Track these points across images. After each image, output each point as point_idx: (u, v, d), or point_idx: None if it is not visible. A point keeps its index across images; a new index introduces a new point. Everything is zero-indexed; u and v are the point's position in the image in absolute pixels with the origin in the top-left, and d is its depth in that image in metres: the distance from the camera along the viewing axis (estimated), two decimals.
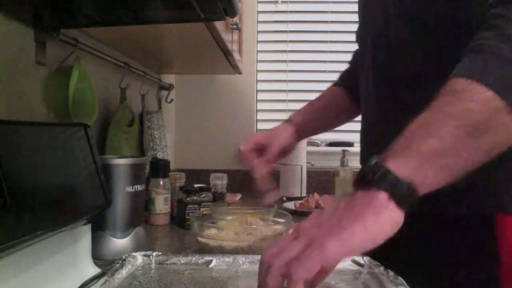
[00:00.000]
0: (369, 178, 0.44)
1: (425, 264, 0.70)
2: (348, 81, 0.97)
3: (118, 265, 0.63)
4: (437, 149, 0.44)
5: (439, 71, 0.57)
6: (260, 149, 0.87)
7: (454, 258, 0.68)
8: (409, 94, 0.68)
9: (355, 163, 1.78)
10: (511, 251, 0.62)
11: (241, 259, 0.68)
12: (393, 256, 0.74)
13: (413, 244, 0.71)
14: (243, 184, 1.81)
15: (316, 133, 1.02)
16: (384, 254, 0.76)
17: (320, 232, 0.43)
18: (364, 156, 0.82)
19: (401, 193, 0.43)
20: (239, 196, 1.56)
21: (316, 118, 0.96)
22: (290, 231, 0.82)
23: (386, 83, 0.73)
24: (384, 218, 0.42)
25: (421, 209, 0.62)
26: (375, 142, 0.76)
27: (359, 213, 0.43)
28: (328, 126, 1.01)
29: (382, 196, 0.43)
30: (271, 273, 0.42)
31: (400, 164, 0.44)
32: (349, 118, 1.00)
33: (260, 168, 0.84)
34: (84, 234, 0.68)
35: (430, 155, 0.44)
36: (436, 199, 0.65)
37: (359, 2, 0.86)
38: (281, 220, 0.86)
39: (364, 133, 0.83)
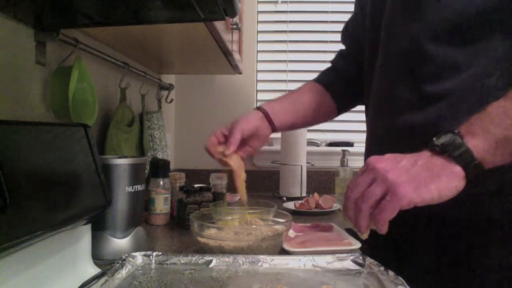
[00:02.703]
0: (450, 150, 0.52)
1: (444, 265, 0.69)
2: (327, 78, 0.97)
3: (118, 265, 0.63)
4: (508, 139, 0.51)
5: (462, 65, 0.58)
6: (226, 140, 0.85)
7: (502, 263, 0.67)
8: (430, 87, 0.68)
9: (355, 163, 1.78)
10: None
11: (241, 259, 0.68)
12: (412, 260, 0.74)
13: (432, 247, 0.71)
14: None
15: (294, 124, 0.97)
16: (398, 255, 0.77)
17: (399, 181, 0.51)
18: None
19: (472, 170, 0.52)
20: (239, 196, 1.56)
21: (291, 106, 0.94)
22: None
23: (407, 79, 0.72)
24: (453, 185, 0.51)
25: (461, 214, 0.67)
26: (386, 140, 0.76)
27: (436, 175, 0.51)
28: (305, 118, 0.96)
29: (458, 169, 0.51)
30: (362, 215, 0.53)
31: (479, 145, 0.52)
32: (326, 113, 0.97)
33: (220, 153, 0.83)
34: (84, 234, 0.68)
35: (504, 140, 0.51)
36: (477, 204, 0.66)
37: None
38: (281, 220, 0.86)
39: (374, 133, 0.82)
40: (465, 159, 0.52)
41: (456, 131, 0.53)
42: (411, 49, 0.69)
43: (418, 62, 0.69)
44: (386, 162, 0.54)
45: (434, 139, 0.54)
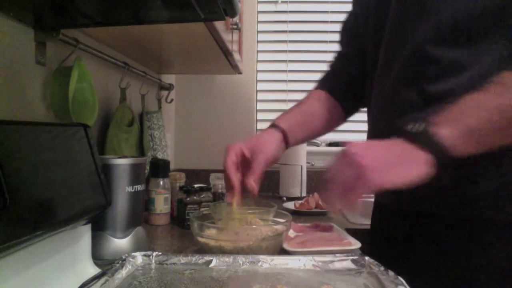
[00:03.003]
0: (421, 138, 0.56)
1: (446, 268, 0.69)
2: (331, 84, 0.94)
3: (118, 265, 0.63)
4: (477, 129, 0.55)
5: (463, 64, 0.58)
6: (244, 161, 0.77)
7: (492, 262, 0.67)
8: (434, 87, 0.67)
9: None
10: None
11: (241, 259, 0.68)
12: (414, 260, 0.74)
13: (433, 249, 0.71)
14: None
15: (306, 138, 0.92)
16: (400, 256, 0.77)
17: (370, 166, 0.55)
18: None
19: (441, 159, 0.55)
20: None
21: (305, 122, 0.88)
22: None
23: (410, 79, 0.71)
24: (422, 172, 0.55)
25: (461, 214, 0.68)
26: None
27: (406, 162, 0.55)
28: (318, 131, 0.92)
29: (428, 158, 0.55)
30: (333, 192, 0.57)
31: (448, 134, 0.55)
32: (337, 120, 0.94)
33: (237, 193, 0.75)
34: (84, 234, 0.68)
35: (472, 133, 0.55)
36: (476, 204, 0.66)
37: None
38: (281, 220, 0.86)
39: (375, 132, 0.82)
40: (434, 147, 0.55)
41: (429, 120, 0.57)
42: (415, 49, 0.69)
43: (421, 62, 0.69)
44: (361, 149, 0.57)
45: (408, 127, 0.58)
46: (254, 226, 0.79)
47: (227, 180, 0.75)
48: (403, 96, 0.71)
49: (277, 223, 0.86)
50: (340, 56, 0.97)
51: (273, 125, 0.84)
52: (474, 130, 0.56)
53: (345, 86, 0.93)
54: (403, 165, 0.55)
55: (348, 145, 0.59)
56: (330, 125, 0.93)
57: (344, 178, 0.56)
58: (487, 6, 0.62)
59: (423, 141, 0.56)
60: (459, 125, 0.56)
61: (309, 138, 0.93)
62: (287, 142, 0.83)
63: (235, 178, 0.74)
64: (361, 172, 0.55)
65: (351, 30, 0.93)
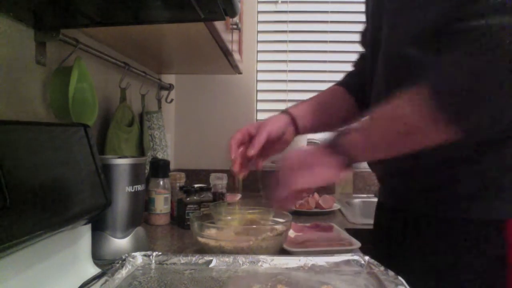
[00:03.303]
0: (332, 145, 0.67)
1: (429, 266, 0.70)
2: (350, 81, 0.95)
3: (118, 265, 0.63)
4: (376, 141, 0.64)
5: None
6: (250, 140, 0.83)
7: (462, 262, 0.67)
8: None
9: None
10: None
11: (241, 259, 0.68)
12: (397, 257, 0.75)
13: (420, 246, 0.72)
14: (243, 184, 1.81)
15: (317, 127, 0.95)
16: (389, 254, 0.78)
17: (290, 172, 0.68)
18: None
19: (347, 161, 0.66)
20: (239, 196, 1.56)
21: (316, 110, 0.92)
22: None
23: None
24: (333, 172, 0.67)
25: (433, 213, 0.71)
26: None
27: (320, 165, 0.67)
28: (330, 122, 0.94)
29: (337, 160, 0.66)
30: (271, 192, 0.71)
31: (352, 145, 0.66)
32: (352, 116, 0.94)
33: (238, 162, 0.82)
34: (84, 234, 0.68)
35: (372, 143, 0.65)
36: (447, 204, 0.67)
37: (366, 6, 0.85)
38: (281, 220, 0.86)
39: None
40: (342, 152, 0.66)
41: (345, 130, 0.67)
42: (394, 53, 0.70)
43: (397, 65, 0.70)
44: (289, 157, 0.71)
45: (329, 136, 0.69)
46: (254, 226, 0.79)
47: (229, 154, 0.83)
48: (383, 98, 0.73)
49: (277, 223, 0.86)
50: (359, 56, 0.99)
51: (283, 111, 0.90)
52: (374, 141, 0.64)
53: (360, 83, 0.94)
54: (318, 167, 0.67)
55: (283, 156, 0.72)
56: (345, 118, 0.94)
57: (275, 180, 0.70)
58: (434, 23, 0.62)
59: (334, 147, 0.66)
60: (364, 137, 0.65)
61: (322, 127, 0.95)
62: (296, 127, 0.88)
63: (234, 150, 0.83)
64: (285, 176, 0.68)
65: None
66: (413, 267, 0.71)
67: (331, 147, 0.67)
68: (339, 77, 1.00)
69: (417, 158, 0.71)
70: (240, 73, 1.70)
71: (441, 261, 0.69)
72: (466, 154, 0.65)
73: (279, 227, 0.80)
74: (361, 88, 0.93)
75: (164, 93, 1.69)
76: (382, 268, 0.63)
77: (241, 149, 0.83)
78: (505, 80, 0.54)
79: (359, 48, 0.98)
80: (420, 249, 0.72)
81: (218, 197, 1.24)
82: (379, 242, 0.86)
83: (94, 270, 0.68)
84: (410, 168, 0.74)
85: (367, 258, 0.68)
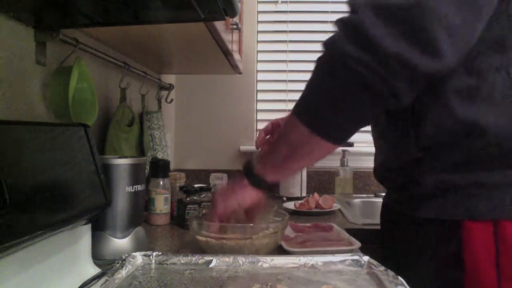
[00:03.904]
0: (244, 172, 0.76)
1: (399, 262, 0.73)
2: None
3: (118, 265, 0.63)
4: (276, 162, 0.71)
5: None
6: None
7: (420, 260, 0.69)
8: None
9: (355, 163, 1.78)
10: (474, 257, 0.62)
11: (241, 259, 0.68)
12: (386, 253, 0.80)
13: (391, 242, 0.78)
14: None
15: None
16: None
17: (216, 199, 0.78)
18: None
19: (255, 183, 0.74)
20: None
21: None
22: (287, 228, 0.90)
23: None
24: (248, 194, 0.75)
25: (398, 210, 0.76)
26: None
27: (236, 190, 0.76)
28: None
29: (247, 183, 0.74)
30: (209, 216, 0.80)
31: (260, 168, 0.74)
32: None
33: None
34: (84, 234, 0.68)
35: (272, 161, 0.72)
36: (408, 202, 0.69)
37: None
38: (280, 219, 0.86)
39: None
40: (248, 175, 0.74)
41: (253, 159, 0.76)
42: None
43: None
44: (220, 189, 0.89)
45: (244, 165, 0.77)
46: (251, 225, 0.79)
47: (257, 143, 0.95)
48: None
49: (274, 221, 0.86)
50: None
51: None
52: (274, 161, 0.71)
53: None
54: (235, 193, 0.75)
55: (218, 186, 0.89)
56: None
57: (210, 207, 0.81)
58: None
59: (245, 173, 0.75)
60: (267, 160, 0.73)
61: None
62: None
63: (261, 138, 0.94)
64: (214, 203, 0.78)
65: None
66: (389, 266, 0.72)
67: (244, 173, 0.75)
68: None
69: (386, 160, 0.79)
70: (240, 73, 1.70)
71: (408, 260, 0.71)
72: (421, 156, 0.67)
73: (276, 225, 0.80)
74: None
75: (164, 93, 1.69)
76: (382, 268, 0.63)
77: (268, 137, 0.94)
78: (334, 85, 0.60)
79: None
80: (395, 248, 0.77)
81: None
82: (378, 245, 0.89)
83: (94, 270, 0.68)
84: (385, 169, 0.80)
85: (367, 258, 0.68)
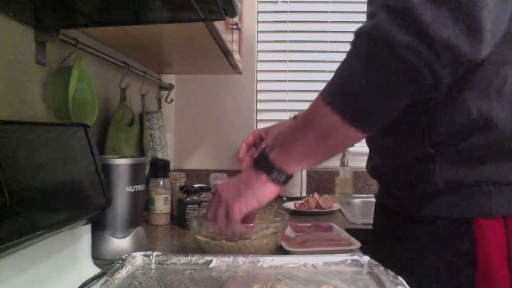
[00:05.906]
0: (258, 164, 0.69)
1: (407, 261, 0.71)
2: None
3: (118, 265, 0.63)
4: (298, 150, 0.66)
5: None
6: (260, 143, 0.84)
7: (426, 258, 0.68)
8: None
9: (355, 163, 1.78)
10: (487, 254, 0.62)
11: (241, 259, 0.68)
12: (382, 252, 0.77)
13: (398, 243, 0.74)
14: None
15: None
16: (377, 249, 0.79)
17: (228, 199, 0.70)
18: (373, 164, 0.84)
19: (274, 176, 0.67)
20: None
21: None
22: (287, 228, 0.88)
23: None
24: (265, 190, 0.68)
25: (407, 211, 0.73)
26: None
27: (251, 186, 0.68)
28: None
29: (265, 178, 0.67)
30: (220, 225, 0.72)
31: (278, 157, 0.67)
32: None
33: (246, 162, 0.83)
34: (84, 234, 0.68)
35: (295, 152, 0.66)
36: (413, 200, 0.68)
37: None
38: (280, 219, 0.86)
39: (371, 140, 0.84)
40: (267, 169, 0.67)
41: (266, 148, 0.69)
42: None
43: None
44: (224, 186, 0.73)
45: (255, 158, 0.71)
46: (251, 225, 0.79)
47: (238, 154, 0.87)
48: None
49: (274, 221, 0.86)
50: None
51: (293, 117, 0.90)
52: (299, 151, 0.66)
53: None
54: (250, 189, 0.68)
55: (217, 186, 0.74)
56: None
57: (217, 213, 0.71)
58: None
59: (259, 166, 0.68)
60: (285, 147, 0.66)
61: None
62: None
63: (244, 150, 0.85)
64: (225, 205, 0.70)
65: None
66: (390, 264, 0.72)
67: (256, 166, 0.69)
68: None
69: (391, 158, 0.76)
70: (240, 73, 1.70)
71: (415, 259, 0.70)
72: (433, 152, 0.66)
73: (276, 225, 0.80)
74: None
75: (164, 93, 1.69)
76: (382, 268, 0.63)
77: (251, 150, 0.86)
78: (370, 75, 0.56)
79: None
80: (398, 247, 0.74)
81: None
82: (375, 240, 0.87)
83: (94, 270, 0.68)
84: (387, 167, 0.77)
85: (367, 258, 0.68)
